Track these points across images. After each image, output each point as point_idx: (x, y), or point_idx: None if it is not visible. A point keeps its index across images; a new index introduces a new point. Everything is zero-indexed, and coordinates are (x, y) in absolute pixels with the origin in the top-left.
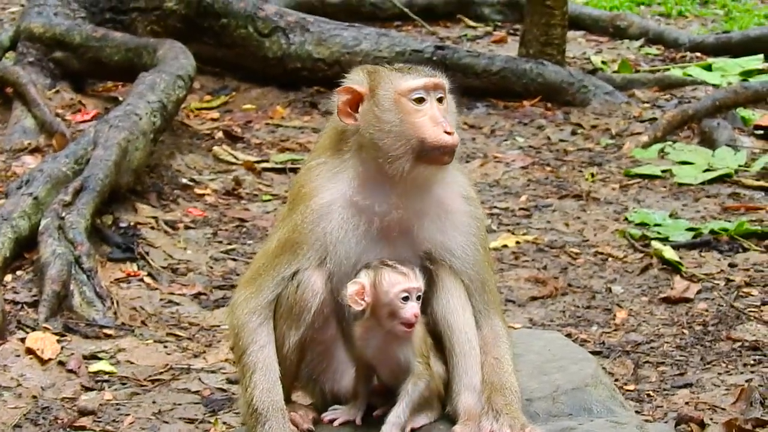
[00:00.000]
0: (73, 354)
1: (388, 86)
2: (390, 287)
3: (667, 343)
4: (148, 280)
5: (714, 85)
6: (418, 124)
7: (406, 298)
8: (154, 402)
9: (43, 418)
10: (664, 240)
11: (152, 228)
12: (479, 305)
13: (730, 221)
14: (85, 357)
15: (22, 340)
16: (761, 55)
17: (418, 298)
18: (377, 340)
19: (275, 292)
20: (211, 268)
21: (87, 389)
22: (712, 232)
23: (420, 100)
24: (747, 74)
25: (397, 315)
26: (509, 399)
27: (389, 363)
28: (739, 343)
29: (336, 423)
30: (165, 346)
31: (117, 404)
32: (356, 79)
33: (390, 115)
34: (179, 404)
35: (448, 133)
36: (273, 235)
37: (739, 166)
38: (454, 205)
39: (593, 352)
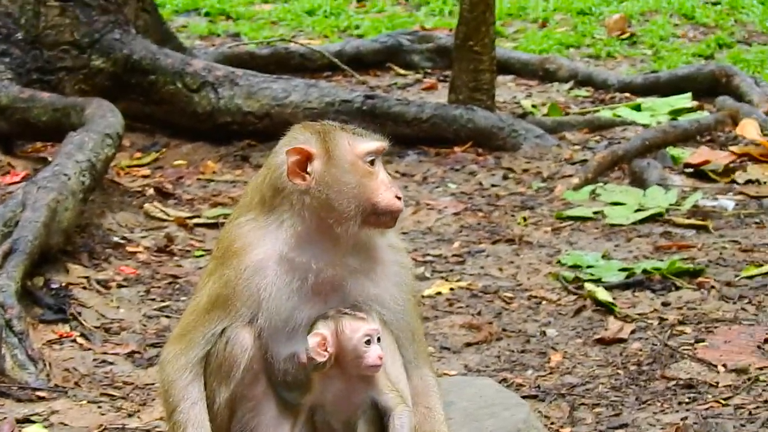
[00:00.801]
0: (5, 418)
1: (345, 147)
2: (353, 333)
3: (602, 384)
4: (80, 340)
5: (643, 125)
6: (372, 187)
7: (368, 342)
8: None
9: None
10: (597, 281)
11: (84, 288)
12: (409, 355)
13: (662, 260)
14: (18, 420)
15: None
16: (689, 94)
17: (378, 339)
18: (337, 387)
19: (205, 349)
20: (145, 326)
21: None
22: (644, 271)
23: (372, 163)
24: (676, 113)
25: (362, 359)
26: None
27: (348, 409)
28: (674, 382)
29: None
30: (99, 407)
31: None
32: (304, 139)
33: (348, 176)
34: None
35: (398, 198)
36: (201, 291)
37: (670, 204)
38: (383, 256)
39: (529, 396)
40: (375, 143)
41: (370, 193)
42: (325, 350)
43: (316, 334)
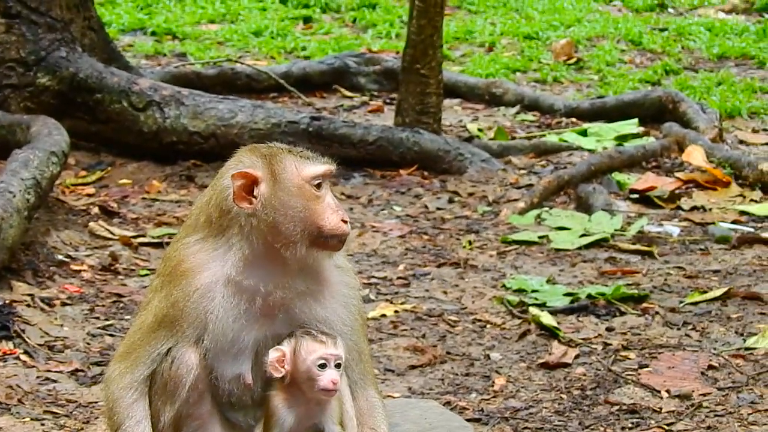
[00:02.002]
0: None
1: (292, 171)
2: (307, 355)
3: (545, 408)
4: (24, 357)
5: (589, 150)
6: (319, 210)
7: (323, 365)
8: None
9: None
10: (542, 306)
11: (28, 305)
12: (355, 376)
13: (606, 285)
14: None
15: None
16: (636, 120)
17: (338, 365)
18: (298, 408)
19: (151, 367)
20: (89, 344)
21: None
22: (589, 296)
23: (319, 186)
24: (622, 139)
25: (315, 382)
26: None
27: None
28: (617, 407)
29: None
30: (42, 424)
31: None
32: (249, 163)
33: (295, 200)
34: None
35: (345, 222)
36: (147, 308)
37: (615, 230)
38: (331, 278)
39: (472, 419)
40: (322, 167)
41: (316, 216)
42: (283, 367)
43: (277, 350)
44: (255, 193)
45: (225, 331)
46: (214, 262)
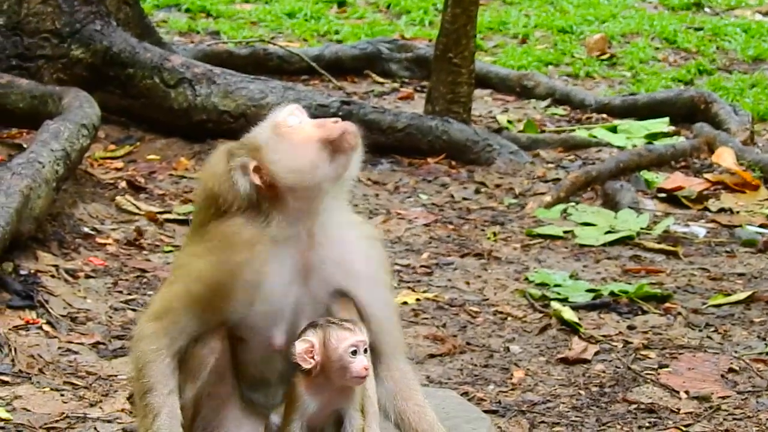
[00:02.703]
0: None
1: (266, 129)
2: (339, 343)
3: (563, 403)
4: (46, 328)
5: (619, 147)
6: (309, 133)
7: (354, 353)
8: None
9: None
10: (564, 301)
11: (52, 276)
12: (387, 347)
13: (630, 283)
14: None
15: None
16: (667, 118)
17: (366, 351)
18: (321, 395)
19: (188, 339)
20: (111, 318)
21: None
22: (611, 293)
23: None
24: (652, 137)
25: (348, 370)
26: None
27: (322, 420)
28: (635, 405)
29: None
30: (62, 395)
31: None
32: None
33: (282, 149)
34: None
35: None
36: (189, 272)
37: (641, 228)
38: (363, 250)
39: (489, 411)
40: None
41: (310, 140)
42: (312, 358)
43: (305, 341)
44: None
45: (268, 297)
46: (254, 232)
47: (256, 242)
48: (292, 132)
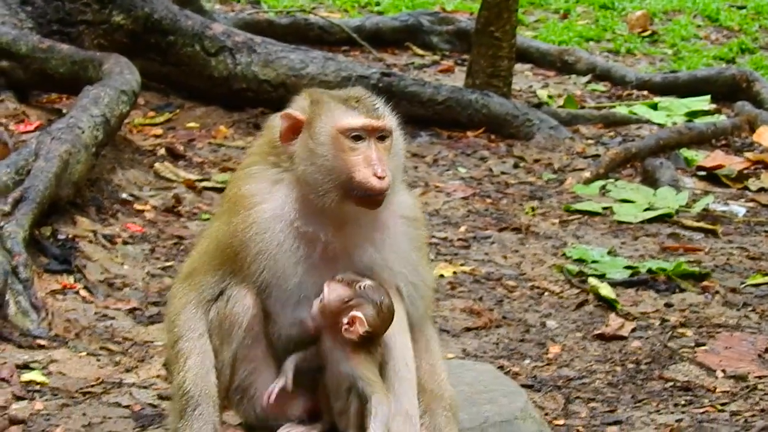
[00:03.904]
0: (5, 363)
1: (327, 120)
2: (334, 296)
3: (599, 379)
4: (83, 293)
5: (659, 125)
6: (350, 162)
7: (357, 137)
8: (84, 414)
9: None
10: (601, 277)
11: (90, 242)
12: (415, 312)
13: (668, 261)
14: (17, 366)
15: None
16: (708, 96)
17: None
18: (334, 353)
19: (213, 292)
20: (147, 284)
21: (18, 398)
22: (649, 271)
23: (358, 138)
24: (692, 115)
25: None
26: (449, 413)
27: (338, 378)
28: (671, 383)
29: None
30: (98, 360)
31: (47, 415)
32: (299, 106)
33: (323, 149)
34: (109, 418)
35: (380, 178)
36: (210, 232)
37: (680, 206)
38: (395, 228)
39: (525, 386)
40: (359, 120)
41: (346, 168)
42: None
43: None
44: (298, 138)
45: (286, 275)
46: (272, 195)
47: (269, 215)
48: (344, 146)
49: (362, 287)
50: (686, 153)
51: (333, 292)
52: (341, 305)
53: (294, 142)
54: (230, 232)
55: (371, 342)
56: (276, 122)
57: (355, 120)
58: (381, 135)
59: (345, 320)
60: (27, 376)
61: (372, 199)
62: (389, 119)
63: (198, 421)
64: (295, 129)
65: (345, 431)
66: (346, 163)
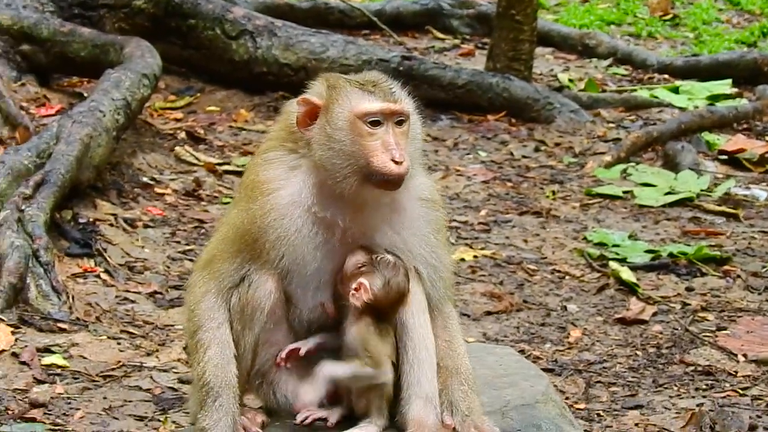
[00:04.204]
0: (26, 346)
1: (344, 105)
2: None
3: (619, 363)
4: (104, 276)
5: (680, 108)
6: (369, 147)
7: (375, 122)
8: (105, 398)
9: None
10: (622, 261)
11: (111, 225)
12: (434, 293)
13: (689, 245)
14: (38, 350)
15: None
16: (729, 80)
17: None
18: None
19: (233, 279)
20: (168, 267)
21: (39, 382)
22: (670, 255)
23: (375, 123)
24: (714, 98)
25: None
26: (467, 387)
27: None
28: (692, 368)
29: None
30: (118, 343)
31: (68, 398)
32: (316, 91)
33: (341, 134)
34: (130, 401)
35: (397, 162)
36: (228, 219)
37: (702, 190)
38: (413, 210)
39: (545, 370)
40: (377, 104)
41: (364, 153)
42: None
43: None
44: (315, 123)
45: (305, 260)
46: (288, 181)
47: (287, 201)
48: (362, 131)
49: (378, 259)
50: (708, 137)
51: (352, 257)
52: (355, 270)
53: (311, 128)
54: (249, 219)
55: (380, 317)
56: (293, 108)
57: (373, 104)
58: (399, 119)
59: (353, 285)
60: (48, 359)
61: (390, 184)
62: (407, 103)
63: (218, 412)
64: (311, 114)
65: (362, 415)
66: (364, 148)
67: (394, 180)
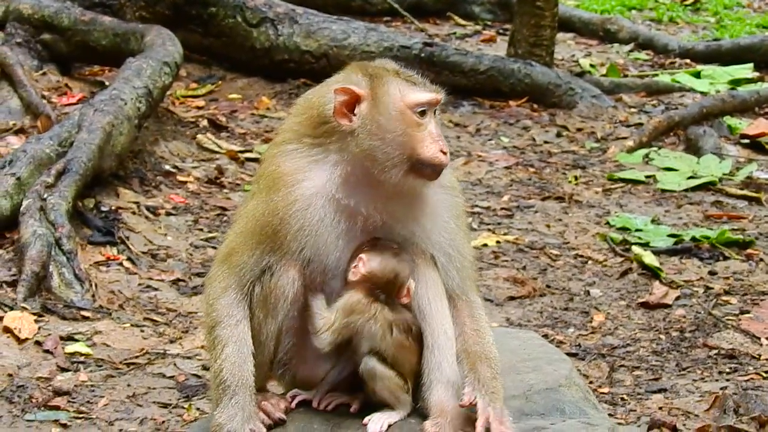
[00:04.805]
0: (50, 334)
1: (395, 95)
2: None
3: (643, 347)
4: (127, 264)
5: (702, 93)
6: (418, 138)
7: (422, 112)
8: (128, 385)
9: (18, 396)
10: (645, 245)
11: (133, 213)
12: (456, 280)
13: (711, 229)
14: (61, 338)
15: (0, 318)
16: (751, 64)
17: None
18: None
19: (253, 273)
20: (191, 255)
21: (63, 370)
22: (693, 239)
23: (423, 113)
24: (735, 83)
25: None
26: (494, 371)
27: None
28: (716, 351)
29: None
30: (142, 331)
31: (92, 386)
32: (355, 80)
33: (393, 124)
34: (154, 388)
35: (444, 153)
36: (246, 211)
37: (724, 174)
38: (433, 197)
39: (569, 354)
40: (427, 94)
41: (415, 144)
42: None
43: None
44: (356, 112)
45: (328, 249)
46: (312, 173)
47: (311, 192)
48: (412, 121)
49: (383, 243)
50: (729, 121)
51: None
52: (358, 249)
53: (350, 118)
54: (269, 210)
55: (377, 298)
56: (328, 97)
57: (423, 95)
58: (435, 110)
59: (354, 263)
60: (71, 347)
61: (435, 173)
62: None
63: (233, 409)
64: (349, 104)
65: (384, 402)
66: (414, 138)
67: (440, 170)
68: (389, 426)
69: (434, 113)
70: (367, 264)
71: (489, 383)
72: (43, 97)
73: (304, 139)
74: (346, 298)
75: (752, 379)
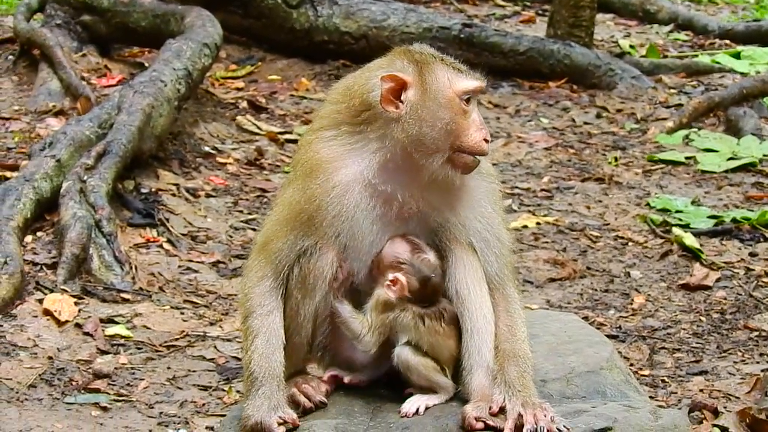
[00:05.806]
0: (90, 317)
1: (444, 82)
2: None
3: (683, 329)
4: (167, 246)
5: (742, 74)
6: (464, 126)
7: (468, 100)
8: (168, 368)
9: (58, 379)
10: (685, 227)
11: (173, 195)
12: (494, 267)
13: (752, 210)
14: (101, 320)
15: (40, 301)
16: None
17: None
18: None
19: (289, 260)
20: (231, 237)
21: (103, 352)
22: (733, 220)
23: (468, 101)
24: None
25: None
26: (522, 369)
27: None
28: (757, 333)
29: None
30: (182, 313)
31: (132, 368)
32: (400, 67)
33: (442, 112)
34: (194, 371)
35: (486, 141)
36: (283, 199)
37: (764, 155)
38: (470, 183)
39: (609, 336)
40: (474, 82)
41: (460, 131)
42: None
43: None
44: (402, 98)
45: (363, 233)
46: (350, 160)
47: (349, 179)
48: (459, 108)
49: (420, 258)
50: None
51: (392, 247)
52: (393, 263)
53: (397, 105)
54: (306, 197)
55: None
56: (372, 83)
57: (470, 83)
58: (478, 96)
59: (390, 277)
60: (111, 330)
61: (475, 162)
62: None
63: (260, 400)
64: (395, 91)
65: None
66: (460, 125)
67: (478, 159)
68: (427, 408)
69: (476, 101)
70: (406, 287)
71: (516, 382)
72: (83, 78)
73: (342, 126)
74: (374, 297)
75: None
